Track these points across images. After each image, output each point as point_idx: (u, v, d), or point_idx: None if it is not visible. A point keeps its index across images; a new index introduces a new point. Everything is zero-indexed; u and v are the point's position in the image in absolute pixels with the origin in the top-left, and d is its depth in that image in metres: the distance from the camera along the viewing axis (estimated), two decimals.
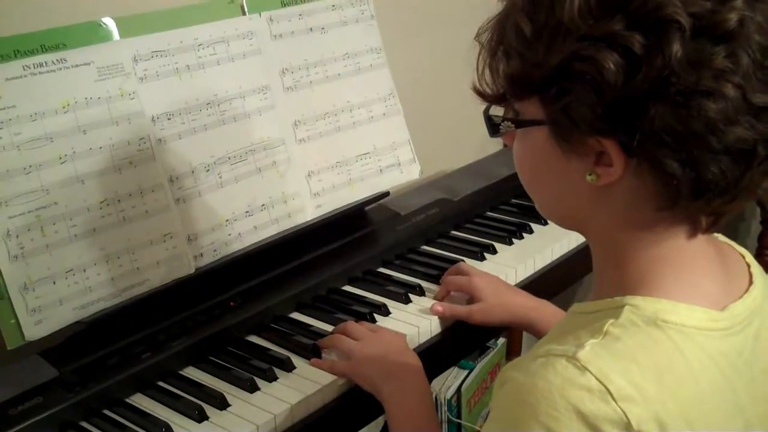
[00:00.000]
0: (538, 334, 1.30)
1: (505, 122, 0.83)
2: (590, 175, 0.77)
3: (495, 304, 1.34)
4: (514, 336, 2.42)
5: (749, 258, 0.91)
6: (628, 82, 0.70)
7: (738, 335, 0.81)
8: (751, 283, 0.86)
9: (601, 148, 0.75)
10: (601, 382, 0.72)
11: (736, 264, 0.89)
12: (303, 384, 1.19)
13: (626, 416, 0.71)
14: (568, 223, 0.89)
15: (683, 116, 0.70)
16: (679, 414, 0.74)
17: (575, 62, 0.72)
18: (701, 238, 0.82)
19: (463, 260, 1.50)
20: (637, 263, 0.81)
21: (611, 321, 0.77)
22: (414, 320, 1.34)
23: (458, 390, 2.10)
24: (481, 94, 0.84)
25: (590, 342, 0.75)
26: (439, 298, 1.41)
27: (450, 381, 2.12)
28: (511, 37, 0.78)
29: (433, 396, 2.11)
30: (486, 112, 0.87)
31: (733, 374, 0.79)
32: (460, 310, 1.35)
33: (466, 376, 2.14)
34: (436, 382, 2.11)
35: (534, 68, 0.76)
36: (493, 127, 0.85)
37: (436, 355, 1.34)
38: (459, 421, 2.14)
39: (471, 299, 1.37)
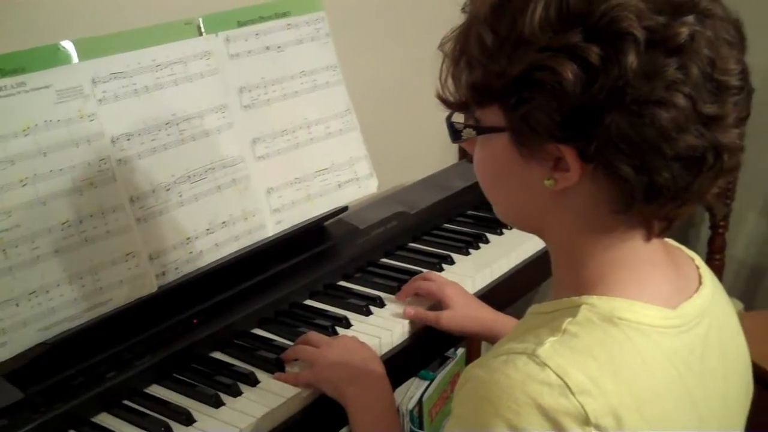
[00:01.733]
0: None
1: (467, 129, 0.87)
2: (548, 179, 0.81)
3: (463, 313, 1.38)
4: (473, 346, 2.45)
5: (698, 261, 0.96)
6: (585, 91, 0.74)
7: (689, 333, 0.85)
8: (700, 284, 0.91)
9: (559, 153, 0.79)
10: (560, 377, 0.75)
11: (686, 266, 0.93)
12: (267, 397, 1.20)
13: (584, 410, 0.74)
14: (527, 226, 0.92)
15: (637, 124, 0.74)
16: (635, 408, 0.77)
17: (535, 72, 0.76)
18: (654, 242, 0.86)
19: (422, 271, 1.53)
20: (594, 265, 0.84)
21: (569, 319, 0.80)
22: (375, 331, 1.37)
23: (420, 400, 2.13)
24: (444, 101, 0.87)
25: (549, 339, 0.78)
26: (402, 297, 1.44)
27: (411, 392, 2.15)
28: (474, 48, 0.81)
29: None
30: (449, 119, 0.90)
31: (686, 371, 0.83)
32: (429, 314, 1.39)
33: (427, 387, 2.17)
34: (398, 393, 2.13)
35: (495, 77, 0.79)
36: (455, 133, 0.88)
37: (398, 365, 1.36)
38: (421, 431, 2.17)
39: (434, 306, 1.41)
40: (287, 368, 1.27)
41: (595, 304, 0.82)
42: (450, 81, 0.86)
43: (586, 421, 0.74)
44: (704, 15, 0.76)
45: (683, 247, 0.98)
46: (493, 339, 1.35)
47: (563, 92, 0.75)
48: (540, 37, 0.76)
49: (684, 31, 0.74)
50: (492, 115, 0.83)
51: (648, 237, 0.85)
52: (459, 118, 0.90)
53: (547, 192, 0.82)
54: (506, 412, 0.75)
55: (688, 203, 0.80)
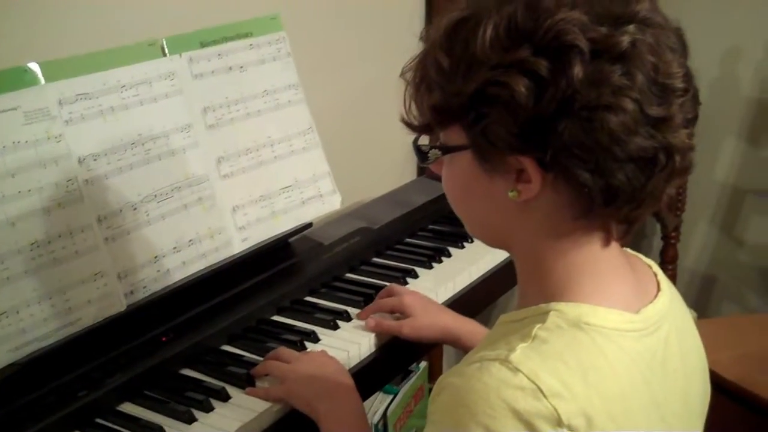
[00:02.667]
0: (463, 348, 1.36)
1: (432, 150, 0.91)
2: (512, 191, 0.85)
3: (424, 320, 1.40)
4: (436, 360, 2.48)
5: (656, 268, 1.00)
6: (537, 102, 0.78)
7: (651, 337, 0.89)
8: (659, 290, 0.95)
9: (519, 165, 0.82)
10: (532, 381, 0.78)
11: (645, 273, 0.97)
12: (240, 412, 1.22)
13: (557, 412, 0.78)
14: (494, 240, 0.96)
15: (588, 129, 0.78)
16: (604, 409, 0.81)
17: (490, 87, 0.80)
18: (614, 248, 0.90)
19: (386, 285, 1.55)
20: (558, 272, 0.88)
21: (539, 325, 0.84)
22: (343, 345, 1.39)
23: (384, 414, 2.15)
24: (409, 125, 0.92)
25: (520, 346, 0.81)
26: (363, 316, 1.46)
27: (375, 406, 2.17)
28: (432, 72, 0.85)
29: None
30: (415, 142, 0.94)
31: (649, 373, 0.87)
32: (391, 324, 1.41)
33: (391, 401, 2.18)
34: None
35: (453, 97, 0.83)
36: (422, 155, 0.92)
37: (367, 378, 1.38)
38: None
39: (400, 317, 1.43)
40: (258, 383, 1.29)
41: (562, 310, 0.85)
42: (413, 106, 0.90)
43: (558, 422, 0.78)
44: (644, 24, 0.80)
45: (641, 255, 1.02)
46: (456, 343, 1.38)
47: (517, 105, 0.79)
48: (491, 56, 0.80)
49: (625, 39, 0.78)
50: (454, 135, 0.87)
51: (607, 241, 0.89)
52: (424, 141, 0.94)
53: (512, 204, 0.86)
54: (483, 417, 0.78)
55: (645, 205, 0.84)
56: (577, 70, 0.77)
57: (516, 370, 0.79)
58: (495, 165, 0.85)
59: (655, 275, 0.98)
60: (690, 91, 0.83)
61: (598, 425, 0.80)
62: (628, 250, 0.99)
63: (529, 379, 0.78)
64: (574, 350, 0.82)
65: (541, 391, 0.78)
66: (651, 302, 0.92)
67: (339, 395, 1.22)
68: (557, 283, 0.89)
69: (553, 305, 0.86)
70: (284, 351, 1.32)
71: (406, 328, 1.40)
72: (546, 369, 0.80)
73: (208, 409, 1.23)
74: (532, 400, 0.78)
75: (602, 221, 0.87)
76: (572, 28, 0.77)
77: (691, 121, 0.84)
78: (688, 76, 0.83)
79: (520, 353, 0.81)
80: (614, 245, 0.91)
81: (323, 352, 1.33)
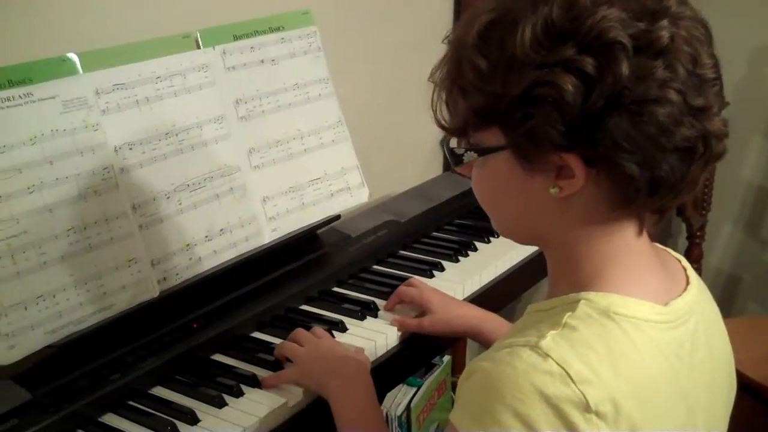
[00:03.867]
0: (485, 342, 1.38)
1: (468, 152, 0.91)
2: (554, 188, 0.85)
3: (444, 315, 1.42)
4: (459, 353, 2.50)
5: (684, 262, 1.01)
6: (585, 100, 0.79)
7: (679, 329, 0.90)
8: (688, 283, 0.96)
9: (561, 162, 0.83)
10: (561, 367, 0.80)
11: (674, 266, 0.99)
12: (270, 397, 1.24)
13: (585, 397, 0.79)
14: (527, 237, 0.98)
15: (638, 123, 0.79)
16: (632, 397, 0.82)
17: (538, 88, 0.80)
18: (644, 240, 0.91)
19: (413, 277, 1.57)
20: (590, 263, 0.89)
21: (569, 314, 0.85)
22: (371, 335, 1.41)
23: (408, 407, 2.17)
24: (444, 128, 0.92)
25: (550, 333, 0.83)
26: (389, 306, 1.48)
27: (399, 398, 2.19)
28: (468, 74, 0.85)
29: (384, 413, 2.17)
30: (447, 145, 0.94)
31: (677, 363, 0.88)
32: (413, 323, 1.43)
33: (415, 393, 2.20)
34: (387, 400, 2.17)
35: (498, 99, 0.83)
36: (456, 158, 0.92)
37: (392, 368, 1.41)
38: None
39: (421, 312, 1.45)
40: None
41: (592, 299, 0.87)
42: (443, 108, 0.91)
43: (586, 408, 0.79)
44: (677, 18, 0.82)
45: (669, 250, 1.03)
46: (478, 337, 1.40)
47: (565, 103, 0.79)
48: (534, 56, 0.81)
49: (665, 34, 0.80)
50: (491, 136, 0.87)
51: (639, 231, 0.90)
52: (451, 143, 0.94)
53: (550, 200, 0.87)
54: (511, 401, 0.79)
55: (683, 193, 0.86)
56: (624, 67, 0.78)
57: (546, 355, 0.81)
58: (535, 163, 0.85)
59: (685, 269, 1.00)
60: (719, 79, 0.84)
61: (625, 412, 0.81)
62: (657, 245, 1.00)
63: (558, 364, 0.80)
64: (603, 339, 0.84)
65: (570, 377, 0.79)
66: (680, 295, 0.93)
67: (349, 372, 1.24)
68: (588, 273, 0.90)
69: (583, 294, 0.87)
70: (300, 333, 1.35)
71: (427, 324, 1.42)
72: (575, 356, 0.81)
73: (239, 394, 1.25)
74: (561, 385, 0.79)
75: (637, 211, 0.88)
76: (615, 25, 0.79)
77: (721, 109, 0.85)
78: (717, 66, 0.84)
79: (550, 340, 0.82)
80: (645, 237, 0.92)
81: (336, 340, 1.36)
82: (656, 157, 0.81)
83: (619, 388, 0.81)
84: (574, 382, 0.79)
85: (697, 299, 0.95)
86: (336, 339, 1.38)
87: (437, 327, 1.42)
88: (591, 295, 0.87)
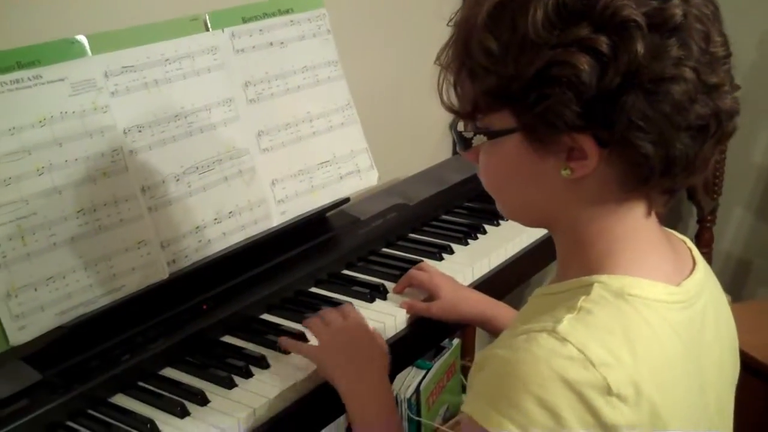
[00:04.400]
0: (492, 329, 1.38)
1: (478, 135, 0.89)
2: (565, 170, 0.84)
3: (452, 301, 1.42)
4: (468, 337, 2.51)
5: (690, 243, 1.01)
6: (601, 79, 0.78)
7: (690, 309, 0.90)
8: (694, 263, 0.96)
9: (573, 144, 0.82)
10: (581, 351, 0.79)
11: (680, 247, 0.98)
12: (279, 379, 1.24)
13: (606, 381, 0.78)
14: (536, 220, 0.96)
15: (653, 101, 0.79)
16: (651, 378, 0.82)
17: (552, 68, 0.79)
18: (653, 221, 0.91)
19: (422, 260, 1.57)
20: (602, 245, 0.89)
21: (583, 297, 0.84)
22: (380, 317, 1.41)
23: (417, 389, 2.18)
24: (453, 111, 0.90)
25: (567, 317, 0.82)
26: (398, 289, 1.48)
27: (409, 380, 2.20)
28: (479, 56, 0.84)
29: (394, 395, 2.18)
30: (455, 128, 0.92)
31: (690, 343, 0.88)
32: (422, 306, 1.43)
33: (424, 376, 2.21)
34: (396, 382, 2.18)
35: (509, 81, 0.82)
36: (465, 141, 0.90)
37: (401, 350, 1.40)
38: (419, 419, 2.21)
39: (429, 297, 1.45)
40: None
41: (605, 282, 0.86)
42: (452, 92, 0.89)
43: (608, 391, 0.78)
44: None
45: (675, 232, 1.02)
46: (485, 325, 1.40)
47: (581, 83, 0.79)
48: (547, 36, 0.79)
49: (678, 12, 0.79)
50: (501, 119, 0.86)
51: (648, 212, 0.90)
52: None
53: (560, 181, 0.86)
54: (534, 388, 0.78)
55: (695, 173, 0.85)
56: (639, 45, 0.78)
57: (564, 340, 0.80)
58: (547, 145, 0.84)
59: (690, 250, 0.99)
60: (730, 56, 0.84)
61: (646, 394, 0.81)
62: (664, 228, 1.00)
63: (577, 349, 0.79)
64: (619, 321, 0.83)
65: (590, 361, 0.79)
66: (689, 276, 0.93)
67: (364, 375, 1.21)
68: (599, 255, 0.89)
69: (596, 277, 0.87)
70: (331, 313, 1.33)
71: (435, 309, 1.42)
72: (593, 339, 0.80)
73: (248, 375, 1.25)
74: (581, 369, 0.78)
75: (647, 192, 0.87)
76: (629, 4, 0.78)
77: (733, 86, 0.84)
78: (727, 44, 0.84)
79: (567, 324, 0.81)
80: (653, 219, 0.91)
81: (365, 326, 1.31)
82: (671, 136, 0.80)
83: (639, 370, 0.81)
84: (594, 366, 0.79)
85: (704, 280, 0.95)
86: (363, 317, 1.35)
87: (445, 312, 1.42)
88: (604, 277, 0.86)
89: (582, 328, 0.81)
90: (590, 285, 0.86)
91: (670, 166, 0.82)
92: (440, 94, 0.90)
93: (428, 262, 1.57)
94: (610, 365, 0.79)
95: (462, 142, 0.91)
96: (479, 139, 0.89)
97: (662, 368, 0.84)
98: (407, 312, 1.43)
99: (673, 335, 0.86)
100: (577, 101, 0.79)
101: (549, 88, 0.80)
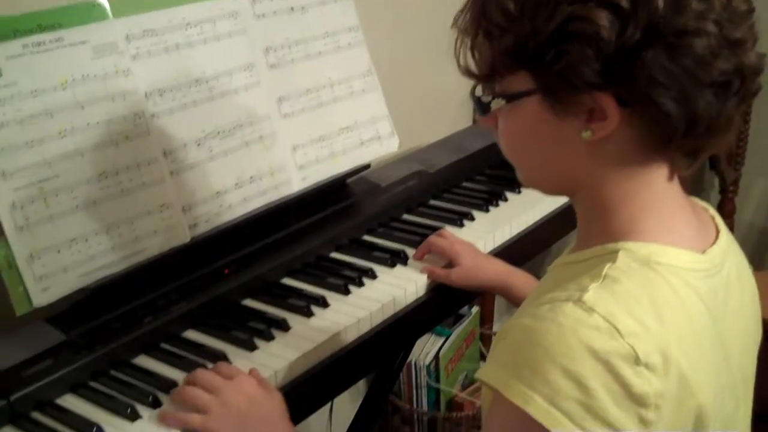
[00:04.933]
0: (512, 297, 1.38)
1: (496, 99, 0.88)
2: (586, 131, 0.83)
3: (472, 268, 1.43)
4: (487, 304, 2.51)
5: (712, 211, 1.00)
6: (621, 34, 0.77)
7: (714, 277, 0.89)
8: (718, 231, 0.95)
9: (593, 104, 0.81)
10: (608, 320, 0.78)
11: (704, 214, 0.97)
12: (300, 342, 1.25)
13: (634, 350, 0.77)
14: (557, 186, 0.94)
15: (675, 56, 0.77)
16: (678, 346, 0.81)
17: (571, 23, 0.78)
18: (676, 186, 0.89)
19: (443, 227, 1.57)
20: (626, 211, 0.87)
21: (609, 265, 0.83)
22: (400, 283, 1.41)
23: (436, 356, 2.19)
24: (471, 75, 0.89)
25: (592, 286, 0.81)
26: (418, 255, 1.49)
27: (428, 347, 2.21)
28: (496, 16, 0.83)
29: (413, 361, 2.19)
30: (473, 93, 0.91)
31: (716, 311, 0.88)
32: (441, 272, 1.43)
33: (443, 343, 2.22)
34: (416, 349, 2.19)
35: (527, 39, 0.81)
36: (484, 106, 0.89)
37: (421, 316, 1.41)
38: (437, 385, 2.22)
39: (449, 263, 1.45)
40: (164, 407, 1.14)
41: (631, 249, 0.85)
42: (469, 55, 0.87)
43: (636, 361, 0.77)
44: None
45: (697, 199, 1.01)
46: (506, 292, 1.40)
47: (600, 39, 0.77)
48: None
49: None
50: (519, 82, 0.85)
51: (671, 177, 0.88)
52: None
53: (582, 145, 0.84)
54: (561, 358, 0.77)
55: (719, 133, 0.83)
56: (659, 0, 0.76)
57: (591, 310, 0.79)
58: (567, 106, 0.83)
59: (713, 218, 0.98)
60: (753, 12, 0.82)
61: (674, 362, 0.80)
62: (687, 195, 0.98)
63: (604, 319, 0.78)
64: (646, 289, 0.82)
65: (618, 331, 0.77)
66: (714, 243, 0.92)
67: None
68: (623, 222, 0.88)
69: (621, 245, 0.85)
70: (206, 376, 1.12)
71: (455, 276, 1.42)
72: (620, 308, 0.79)
73: (269, 338, 1.26)
74: (609, 339, 0.77)
75: (670, 154, 0.86)
76: None
77: (755, 43, 0.83)
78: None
79: (593, 293, 0.80)
80: (677, 184, 0.90)
81: (252, 379, 1.13)
82: (693, 93, 0.79)
83: (666, 339, 0.80)
84: (621, 336, 0.77)
85: (727, 247, 0.94)
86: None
87: (465, 280, 1.42)
88: (630, 244, 0.85)
89: (608, 296, 0.80)
90: (615, 252, 0.85)
91: (692, 124, 0.81)
92: (457, 59, 0.89)
93: (448, 229, 1.57)
94: (638, 335, 0.78)
95: (480, 107, 0.90)
96: (497, 104, 0.88)
97: (689, 336, 0.83)
98: (428, 277, 1.43)
99: (700, 303, 0.86)
100: (597, 58, 0.78)
101: (567, 44, 0.79)
